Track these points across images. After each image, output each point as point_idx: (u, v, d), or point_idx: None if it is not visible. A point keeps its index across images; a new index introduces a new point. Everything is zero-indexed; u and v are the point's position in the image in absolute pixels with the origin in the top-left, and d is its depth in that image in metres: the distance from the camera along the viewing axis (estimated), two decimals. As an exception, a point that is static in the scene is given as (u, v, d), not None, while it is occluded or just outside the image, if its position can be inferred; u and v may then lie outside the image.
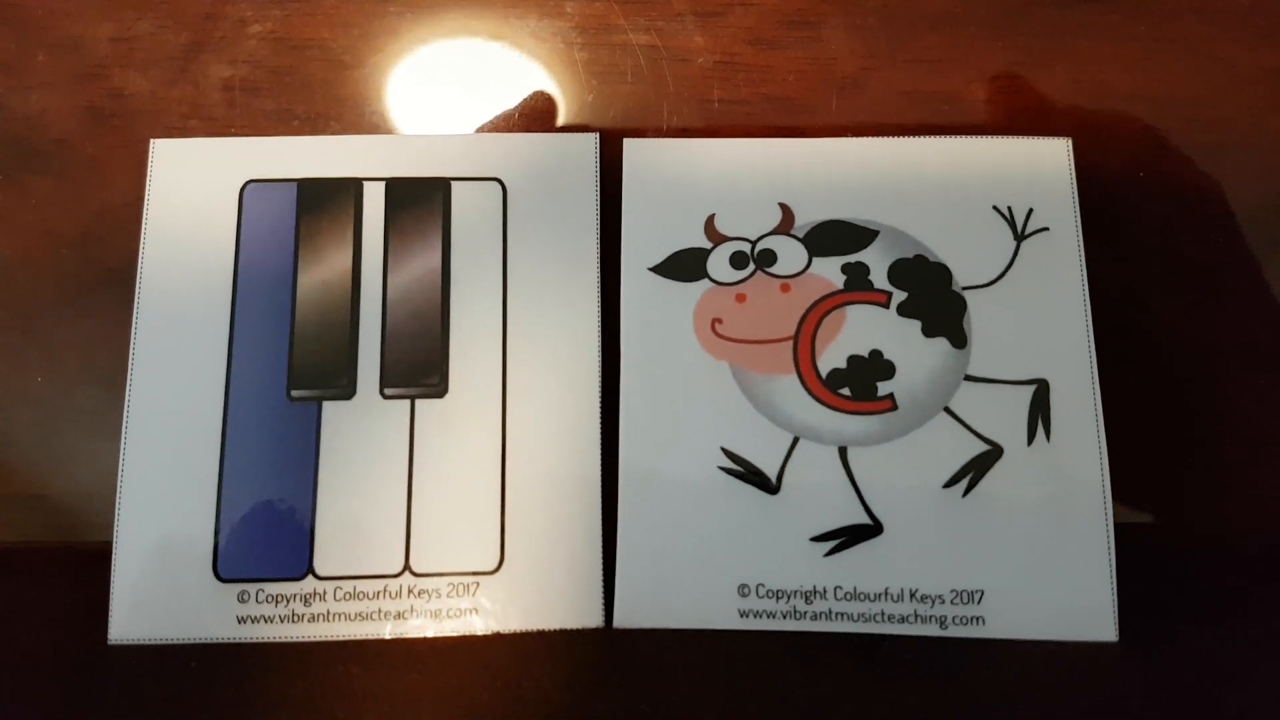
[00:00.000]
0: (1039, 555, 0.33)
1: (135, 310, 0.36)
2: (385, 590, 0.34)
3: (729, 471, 0.34)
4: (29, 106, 0.39)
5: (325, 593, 0.33)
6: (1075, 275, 0.35)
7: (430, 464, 0.34)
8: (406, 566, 0.34)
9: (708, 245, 0.36)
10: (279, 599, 0.33)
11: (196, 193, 0.37)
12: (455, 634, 0.33)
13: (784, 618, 0.33)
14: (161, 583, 0.33)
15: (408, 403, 0.35)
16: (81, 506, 0.37)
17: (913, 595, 0.33)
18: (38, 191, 0.39)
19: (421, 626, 0.33)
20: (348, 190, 0.37)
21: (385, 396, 0.35)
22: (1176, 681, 0.33)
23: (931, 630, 0.33)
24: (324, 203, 0.37)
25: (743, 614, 0.33)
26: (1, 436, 0.38)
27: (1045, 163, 0.37)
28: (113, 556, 0.34)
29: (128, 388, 0.35)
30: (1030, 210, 0.36)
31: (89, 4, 0.40)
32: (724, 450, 0.34)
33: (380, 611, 0.33)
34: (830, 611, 0.33)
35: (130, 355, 0.35)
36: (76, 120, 0.39)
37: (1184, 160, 0.38)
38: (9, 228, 0.39)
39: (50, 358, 0.38)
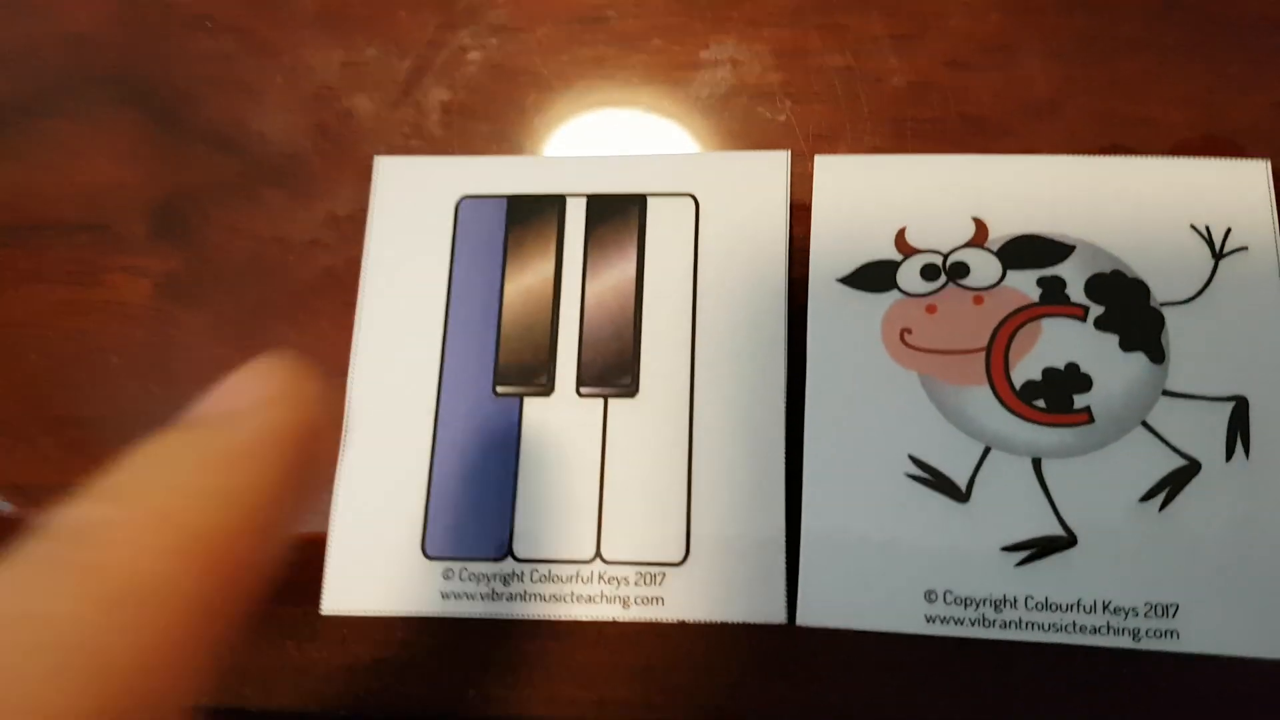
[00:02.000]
0: (1238, 570, 0.32)
1: (358, 311, 0.39)
2: (578, 575, 0.35)
3: (917, 479, 0.35)
4: (266, 125, 0.43)
5: (522, 574, 0.35)
6: (1275, 293, 0.35)
7: (621, 459, 0.36)
8: (598, 554, 0.35)
9: (898, 257, 0.37)
10: (480, 578, 0.35)
11: (415, 205, 0.40)
12: (642, 620, 0.35)
13: (972, 625, 0.33)
14: (372, 559, 0.36)
15: (601, 401, 0.37)
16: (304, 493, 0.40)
17: (1105, 607, 0.33)
18: (270, 201, 0.43)
19: (611, 611, 0.35)
20: (552, 205, 0.39)
21: (581, 395, 0.37)
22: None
23: (1124, 643, 0.32)
24: (530, 216, 0.39)
25: (929, 619, 0.34)
26: (227, 426, 0.42)
27: (1243, 184, 0.36)
28: (328, 534, 0.36)
29: (349, 380, 0.38)
30: (1229, 230, 0.36)
31: (322, 32, 0.44)
32: (912, 458, 0.35)
33: (573, 595, 0.35)
34: (1020, 621, 0.33)
35: (352, 351, 0.38)
36: (307, 137, 0.43)
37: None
38: (243, 234, 0.43)
39: (273, 350, 0.42)
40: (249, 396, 0.23)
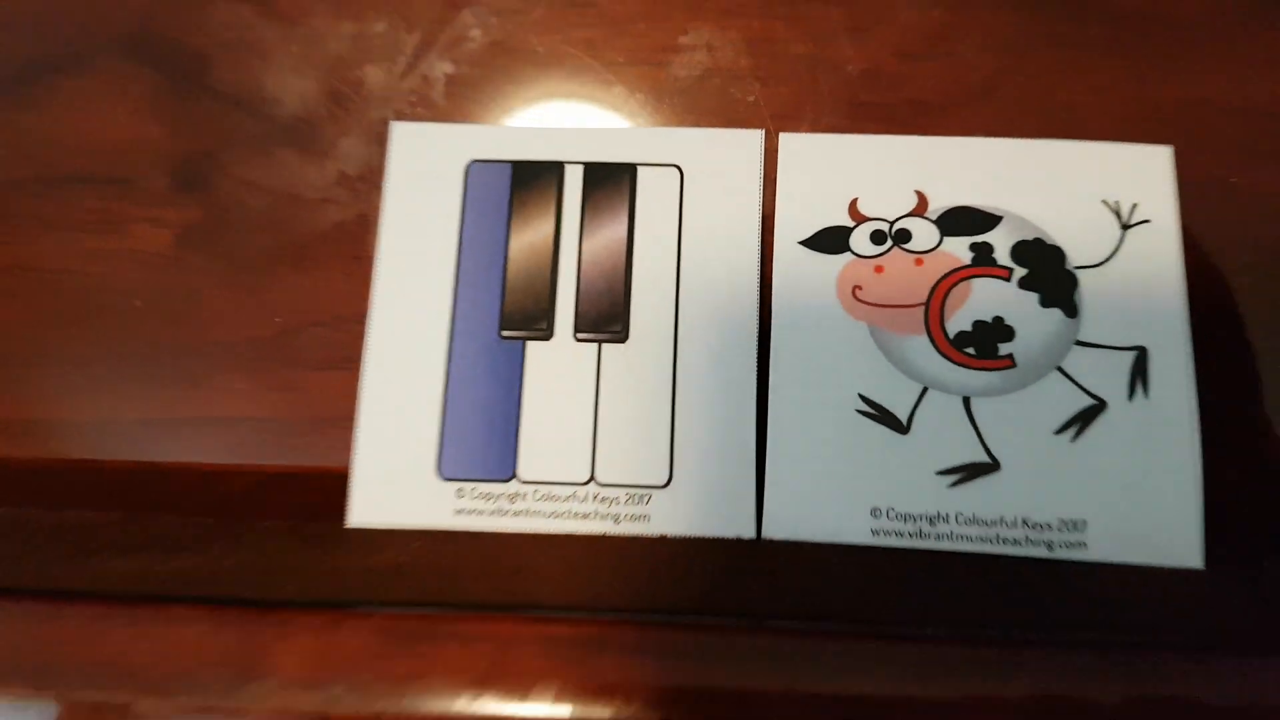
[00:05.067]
0: (1136, 491, 0.39)
1: (376, 261, 0.43)
2: (574, 495, 0.40)
3: (865, 414, 0.40)
4: (281, 89, 0.47)
5: (526, 494, 0.40)
6: (1174, 260, 0.41)
7: (613, 395, 0.41)
8: (592, 477, 0.41)
9: (851, 224, 0.42)
10: (489, 496, 0.40)
11: (429, 168, 0.44)
12: (630, 534, 0.40)
13: (911, 537, 0.39)
14: (392, 480, 0.41)
15: (595, 345, 0.42)
16: (320, 426, 0.45)
17: (1024, 523, 0.39)
18: (285, 160, 0.47)
19: (603, 526, 0.40)
20: (552, 171, 0.44)
21: (577, 340, 0.42)
22: (1260, 607, 0.38)
23: (1040, 552, 0.39)
24: (533, 180, 0.44)
25: (875, 532, 0.40)
26: (245, 366, 0.46)
27: (1149, 166, 0.42)
28: (352, 459, 0.41)
29: (368, 323, 0.42)
30: (1135, 205, 0.42)
31: (336, 5, 0.48)
32: (861, 396, 0.41)
33: (570, 512, 0.40)
34: (952, 534, 0.39)
35: (371, 296, 0.43)
36: (320, 103, 0.47)
37: (1276, 165, 0.44)
38: (259, 189, 0.47)
39: (289, 301, 0.46)
40: None
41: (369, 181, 0.45)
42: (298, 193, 0.47)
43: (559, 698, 0.36)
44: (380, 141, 0.46)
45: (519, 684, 0.36)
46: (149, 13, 0.49)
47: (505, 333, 0.42)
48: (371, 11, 0.48)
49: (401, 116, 0.46)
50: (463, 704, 0.36)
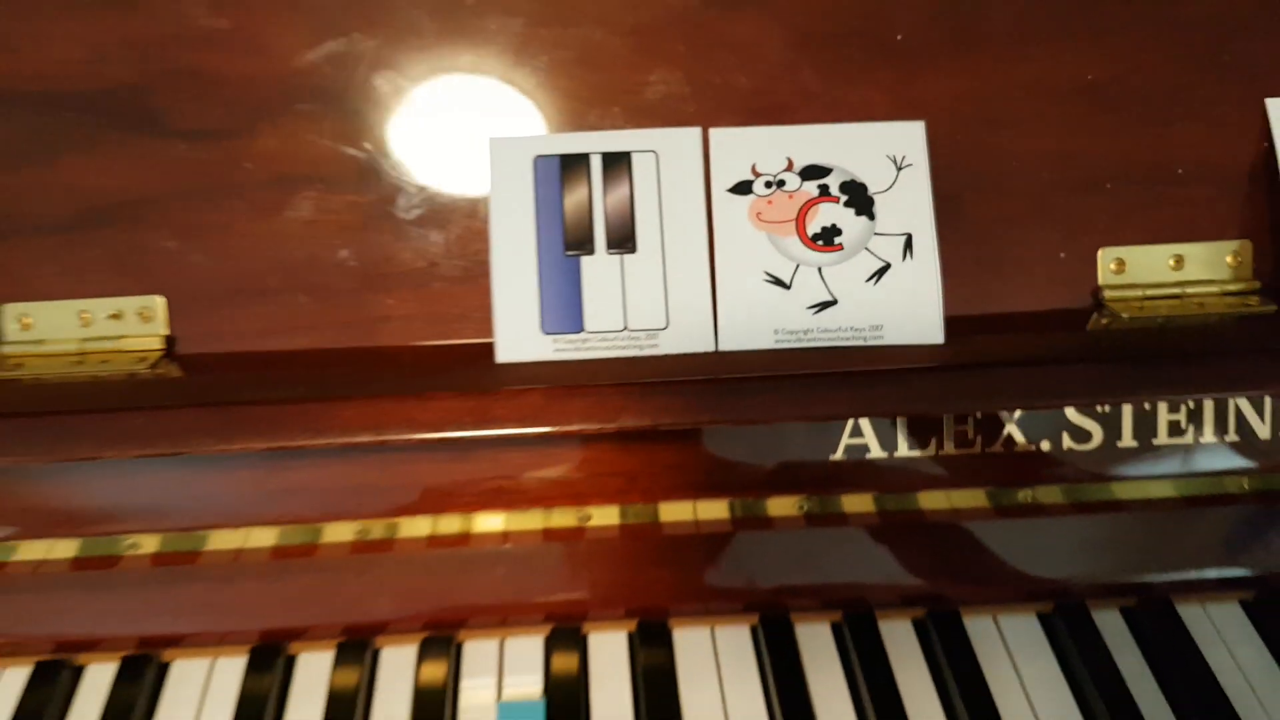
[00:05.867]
0: (909, 307, 0.75)
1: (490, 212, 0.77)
2: (616, 337, 0.75)
3: (768, 280, 0.76)
4: None
5: (590, 339, 0.75)
6: (925, 185, 0.77)
7: (633, 281, 0.76)
8: (625, 326, 0.75)
9: (752, 178, 0.78)
10: (570, 340, 0.75)
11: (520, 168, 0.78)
12: (644, 355, 0.75)
13: (795, 341, 0.75)
14: (518, 334, 0.75)
15: (619, 256, 0.77)
16: (470, 313, 0.79)
17: (851, 328, 0.75)
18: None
19: (633, 352, 0.75)
20: (583, 159, 0.78)
21: (609, 254, 0.77)
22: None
23: (860, 342, 0.75)
24: (572, 166, 0.78)
25: (777, 339, 0.75)
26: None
27: (911, 134, 0.78)
28: (494, 325, 0.75)
29: (491, 251, 0.76)
30: (904, 156, 0.77)
31: None
32: (765, 271, 0.76)
33: (612, 345, 0.75)
34: (814, 337, 0.75)
35: (491, 240, 0.77)
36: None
37: (983, 129, 0.80)
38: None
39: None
40: None
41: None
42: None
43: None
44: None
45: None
46: None
47: (568, 252, 0.77)
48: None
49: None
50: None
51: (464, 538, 0.77)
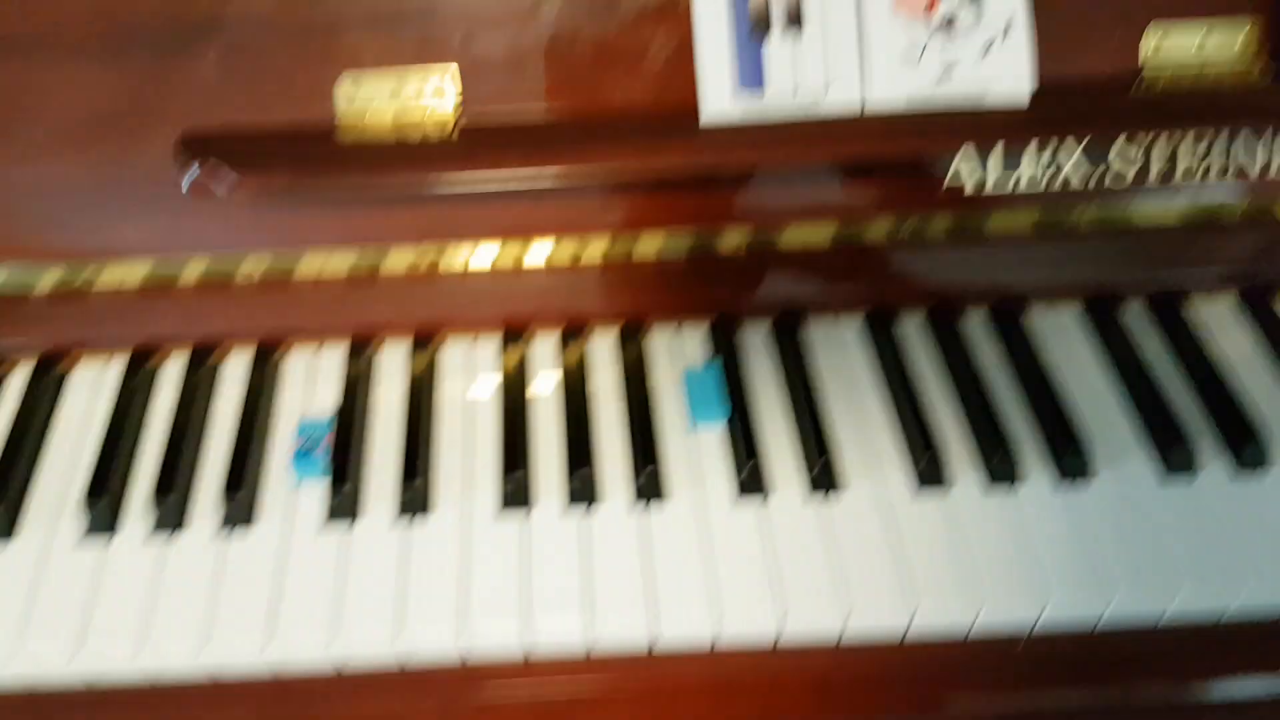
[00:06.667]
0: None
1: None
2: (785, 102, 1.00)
3: (902, 57, 1.00)
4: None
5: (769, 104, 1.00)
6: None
7: (795, 63, 1.00)
8: (795, 92, 1.00)
9: None
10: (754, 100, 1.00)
11: None
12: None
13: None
14: (720, 93, 1.00)
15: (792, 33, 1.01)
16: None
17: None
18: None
19: (804, 115, 1.00)
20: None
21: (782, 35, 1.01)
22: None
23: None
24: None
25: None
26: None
27: None
28: (697, 82, 1.00)
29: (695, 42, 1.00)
30: None
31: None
32: (901, 49, 1.00)
33: (784, 107, 1.00)
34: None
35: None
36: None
37: None
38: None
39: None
40: None
41: None
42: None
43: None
44: None
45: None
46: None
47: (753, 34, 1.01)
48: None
49: None
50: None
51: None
